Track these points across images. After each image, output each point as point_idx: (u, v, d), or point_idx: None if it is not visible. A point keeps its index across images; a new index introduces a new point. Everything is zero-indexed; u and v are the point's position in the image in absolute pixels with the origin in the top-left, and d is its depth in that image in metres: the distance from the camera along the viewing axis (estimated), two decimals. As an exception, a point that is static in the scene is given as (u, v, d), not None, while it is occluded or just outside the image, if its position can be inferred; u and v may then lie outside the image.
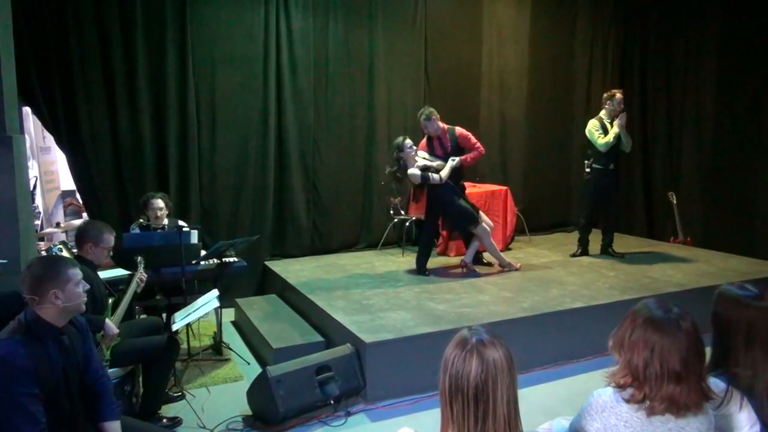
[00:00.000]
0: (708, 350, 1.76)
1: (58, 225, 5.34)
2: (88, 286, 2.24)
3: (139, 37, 5.06)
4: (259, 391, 3.36)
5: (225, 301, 4.58)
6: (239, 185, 5.63)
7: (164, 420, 3.27)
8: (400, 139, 5.06)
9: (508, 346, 1.48)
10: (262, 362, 4.16)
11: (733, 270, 5.24)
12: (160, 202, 4.46)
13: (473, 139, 5.09)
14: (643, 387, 1.58)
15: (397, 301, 4.41)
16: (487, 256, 5.55)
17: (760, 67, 5.99)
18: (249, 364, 4.22)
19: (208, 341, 4.53)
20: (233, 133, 5.56)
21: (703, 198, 6.64)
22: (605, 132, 5.50)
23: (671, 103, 6.96)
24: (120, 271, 3.96)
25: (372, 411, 3.50)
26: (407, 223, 6.09)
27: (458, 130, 5.09)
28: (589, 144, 5.63)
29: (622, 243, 6.16)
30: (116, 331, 3.02)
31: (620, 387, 1.63)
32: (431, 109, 5.07)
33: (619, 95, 5.52)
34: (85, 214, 5.49)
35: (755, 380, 1.76)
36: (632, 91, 7.16)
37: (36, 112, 4.91)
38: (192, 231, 4.25)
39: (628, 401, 1.60)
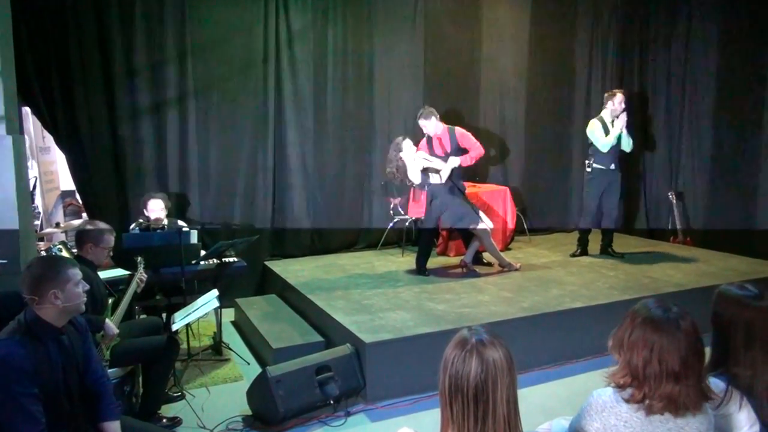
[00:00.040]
0: (708, 350, 1.76)
1: (57, 225, 5.32)
2: (87, 287, 2.24)
3: (139, 37, 5.06)
4: (258, 391, 3.36)
5: (225, 301, 4.57)
6: (239, 185, 5.63)
7: (164, 420, 3.27)
8: (400, 139, 5.07)
9: (507, 346, 1.48)
10: (262, 362, 4.15)
11: (733, 270, 5.24)
12: (159, 202, 4.46)
13: (473, 139, 5.08)
14: (643, 386, 1.58)
15: (397, 301, 4.41)
16: (486, 256, 5.55)
17: (761, 68, 5.98)
18: (249, 364, 4.22)
19: (207, 341, 4.53)
20: (233, 132, 5.55)
21: (703, 198, 6.63)
22: (606, 132, 5.52)
23: (671, 103, 6.96)
24: (120, 271, 3.96)
25: (372, 411, 3.50)
26: (407, 223, 6.09)
27: (458, 130, 5.09)
28: (590, 144, 5.65)
29: (622, 243, 6.16)
30: (116, 331, 3.02)
31: (620, 387, 1.63)
32: (431, 109, 5.08)
33: (620, 95, 5.54)
34: (84, 214, 5.48)
35: (755, 380, 1.76)
36: (632, 91, 7.15)
37: (36, 112, 4.91)
38: (192, 231, 4.26)
39: (627, 401, 1.60)
